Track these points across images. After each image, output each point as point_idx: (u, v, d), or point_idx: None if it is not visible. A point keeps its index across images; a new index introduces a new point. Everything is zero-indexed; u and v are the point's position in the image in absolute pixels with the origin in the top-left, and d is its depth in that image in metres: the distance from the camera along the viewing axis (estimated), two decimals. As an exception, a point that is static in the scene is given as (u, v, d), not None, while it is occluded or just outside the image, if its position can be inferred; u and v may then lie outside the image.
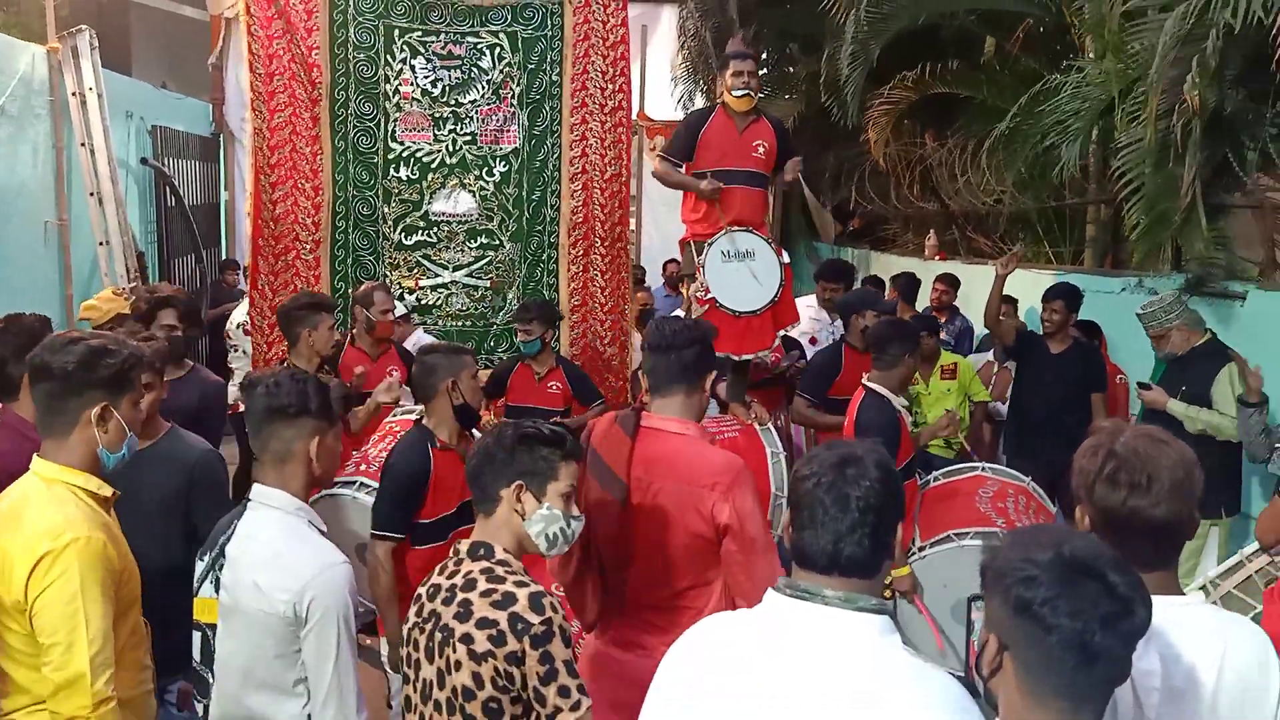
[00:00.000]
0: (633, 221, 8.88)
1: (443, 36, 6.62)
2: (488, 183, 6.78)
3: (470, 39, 6.67)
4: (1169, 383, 4.98)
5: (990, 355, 6.97)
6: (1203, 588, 3.59)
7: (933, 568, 4.37)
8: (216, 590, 2.55)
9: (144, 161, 9.28)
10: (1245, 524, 4.94)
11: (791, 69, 12.06)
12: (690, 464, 2.73)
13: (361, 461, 4.64)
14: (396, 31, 6.54)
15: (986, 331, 6.90)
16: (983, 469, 4.98)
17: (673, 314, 6.98)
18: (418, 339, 6.16)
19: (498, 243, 6.84)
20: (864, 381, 4.60)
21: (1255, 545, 3.68)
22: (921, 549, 4.47)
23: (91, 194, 7.63)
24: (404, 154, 6.63)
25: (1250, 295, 5.89)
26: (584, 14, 6.93)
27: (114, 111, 8.15)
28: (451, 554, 2.36)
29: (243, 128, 10.91)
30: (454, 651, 2.16)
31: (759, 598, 1.90)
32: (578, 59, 6.92)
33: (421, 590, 2.35)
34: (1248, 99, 6.15)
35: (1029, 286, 7.78)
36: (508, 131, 6.81)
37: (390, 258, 6.68)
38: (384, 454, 3.97)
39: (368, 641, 3.97)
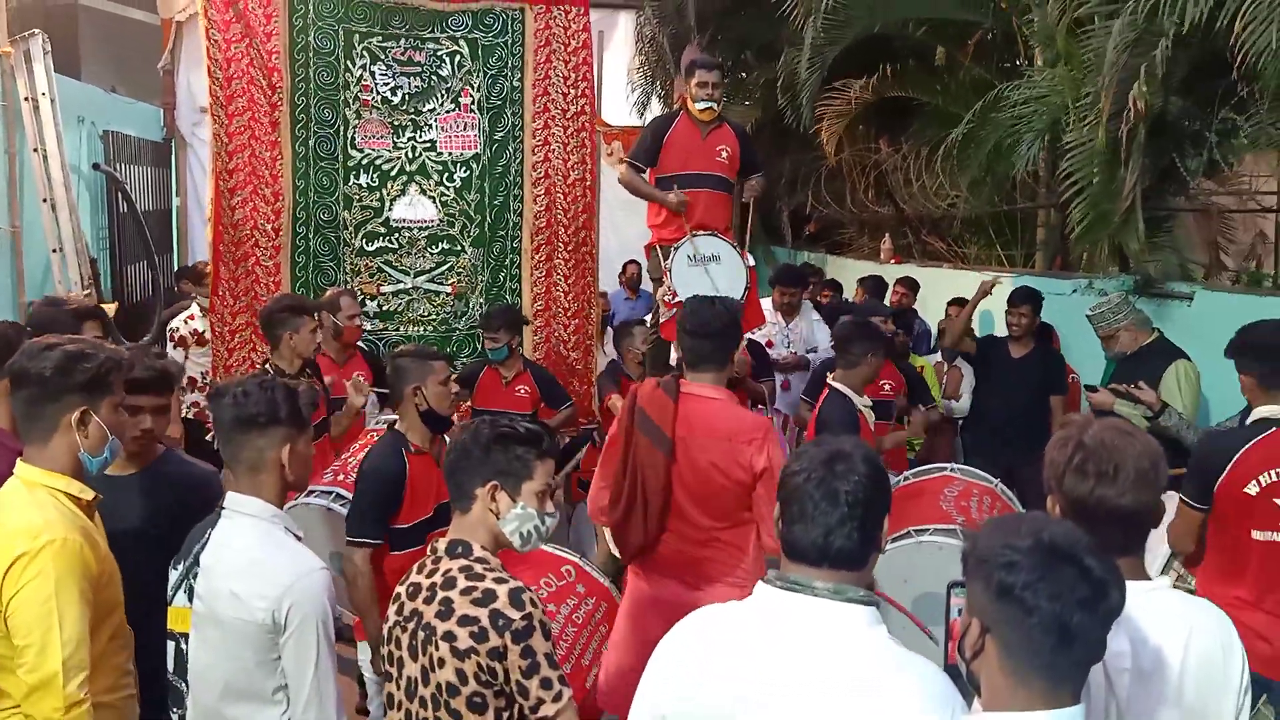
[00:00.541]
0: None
1: (403, 42, 6.61)
2: (448, 189, 6.78)
3: (430, 45, 6.67)
4: (1119, 381, 5.07)
5: (939, 355, 7.10)
6: (1166, 571, 3.69)
7: (892, 563, 4.44)
8: (190, 599, 2.52)
9: (96, 167, 9.13)
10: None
11: (746, 75, 12.15)
12: (729, 423, 3.28)
13: (340, 471, 4.62)
14: (356, 36, 6.52)
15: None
16: (950, 469, 5.09)
17: (633, 318, 7.06)
18: None
19: (460, 248, 6.85)
20: (828, 380, 4.76)
21: None
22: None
23: (45, 200, 7.51)
24: (364, 160, 6.62)
25: (1196, 295, 6.07)
26: (545, 20, 6.96)
27: (65, 116, 8.02)
28: (429, 552, 2.38)
29: (194, 133, 10.81)
30: (437, 649, 2.19)
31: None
32: (539, 65, 6.95)
33: (401, 589, 2.37)
34: (1193, 104, 6.33)
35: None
36: (468, 137, 6.82)
37: (351, 264, 6.66)
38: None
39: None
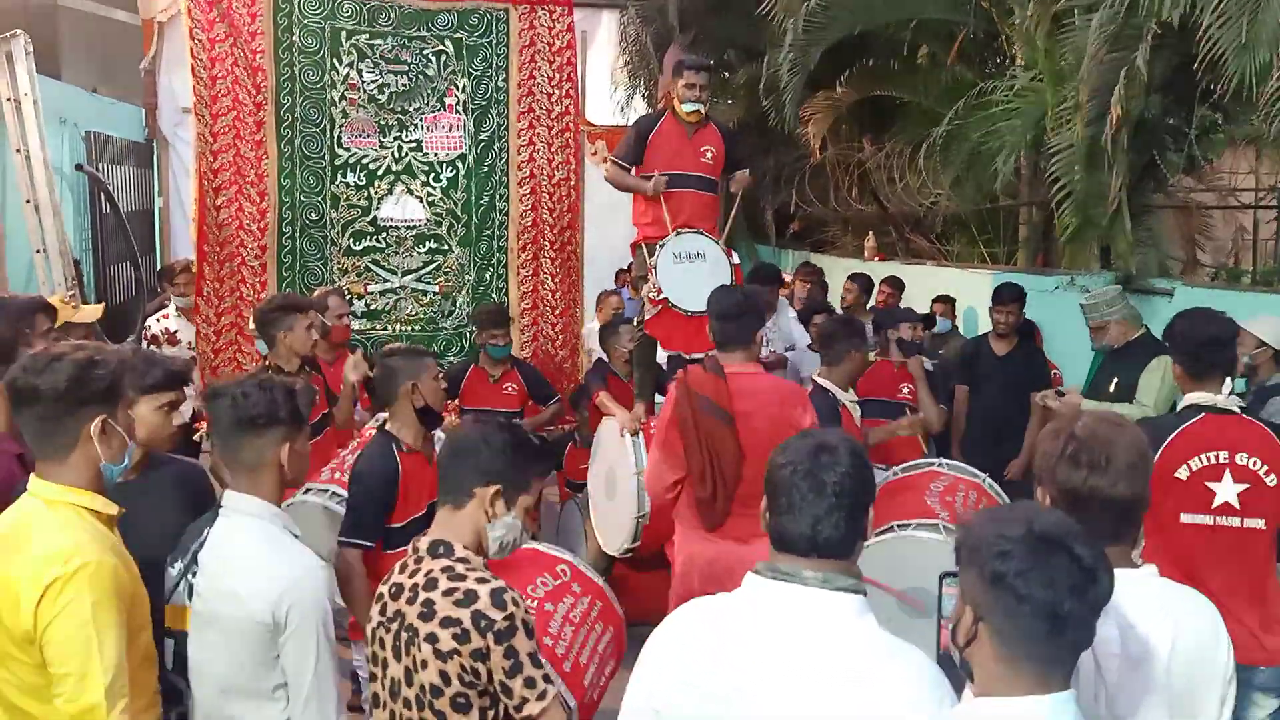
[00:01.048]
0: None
1: (390, 40, 6.61)
2: (435, 188, 6.79)
3: (418, 43, 6.66)
4: (1104, 375, 5.16)
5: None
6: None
7: (874, 557, 4.44)
8: (189, 598, 2.52)
9: (79, 168, 9.07)
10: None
11: (729, 75, 12.19)
12: (778, 392, 3.90)
13: (338, 469, 4.61)
14: (343, 34, 6.50)
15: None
16: (938, 465, 5.13)
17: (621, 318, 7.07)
18: None
19: (446, 248, 6.85)
20: (813, 377, 4.82)
21: None
22: (866, 537, 4.60)
23: (28, 201, 7.45)
24: (350, 160, 6.61)
25: (1177, 291, 6.14)
26: (529, 20, 6.97)
27: (48, 117, 7.96)
28: (411, 551, 2.36)
29: (176, 133, 10.76)
30: (419, 651, 2.19)
31: None
32: (523, 65, 6.96)
33: (384, 589, 2.36)
34: (1173, 102, 6.40)
35: (966, 286, 8.00)
36: (453, 137, 6.82)
37: (339, 263, 6.64)
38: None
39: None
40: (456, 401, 5.72)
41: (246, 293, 6.41)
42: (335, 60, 6.51)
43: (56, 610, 2.14)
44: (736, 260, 5.53)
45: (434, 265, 6.84)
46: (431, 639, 2.17)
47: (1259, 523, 3.23)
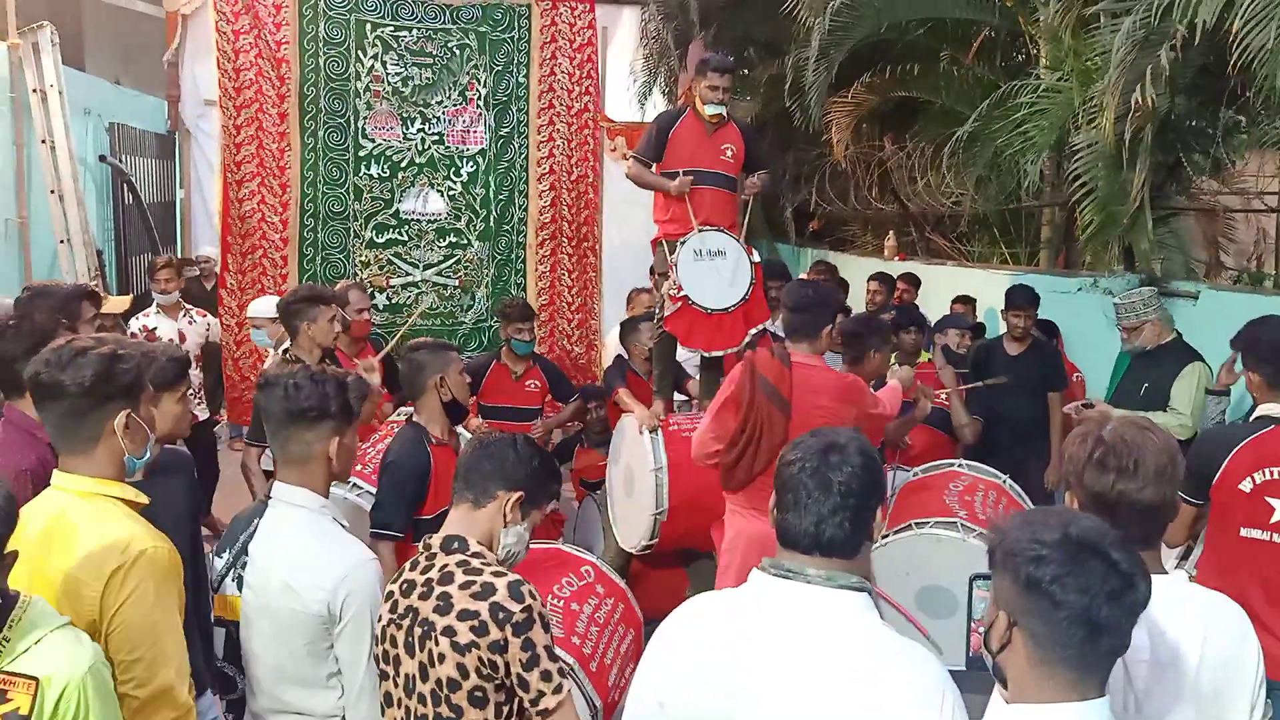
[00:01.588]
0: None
1: (414, 32, 6.63)
2: (455, 183, 6.81)
3: (442, 35, 6.68)
4: (1133, 378, 5.10)
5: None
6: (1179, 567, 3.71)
7: (893, 556, 4.47)
8: (239, 588, 2.54)
9: (102, 159, 9.16)
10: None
11: (749, 71, 12.16)
12: (838, 385, 4.01)
13: (359, 461, 4.63)
14: (368, 26, 6.53)
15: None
16: (958, 465, 5.10)
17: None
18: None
19: (466, 242, 6.87)
20: None
21: None
22: (885, 536, 4.58)
23: (52, 191, 7.53)
24: (375, 151, 6.63)
25: (1202, 294, 6.09)
26: (551, 17, 6.99)
27: (72, 108, 8.03)
28: (422, 548, 2.36)
29: (199, 125, 10.81)
30: (436, 645, 2.18)
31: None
32: (544, 61, 6.98)
33: (393, 586, 2.35)
34: (1199, 104, 6.35)
35: (986, 286, 7.96)
36: (474, 132, 6.84)
37: (361, 256, 6.66)
38: (381, 454, 3.96)
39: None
40: (476, 398, 5.73)
41: (268, 284, 6.44)
42: (360, 52, 6.53)
43: (123, 598, 2.17)
44: (758, 258, 5.51)
45: (454, 259, 6.85)
46: (449, 632, 2.16)
47: None
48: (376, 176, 6.64)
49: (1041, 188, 8.90)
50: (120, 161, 9.44)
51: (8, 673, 1.89)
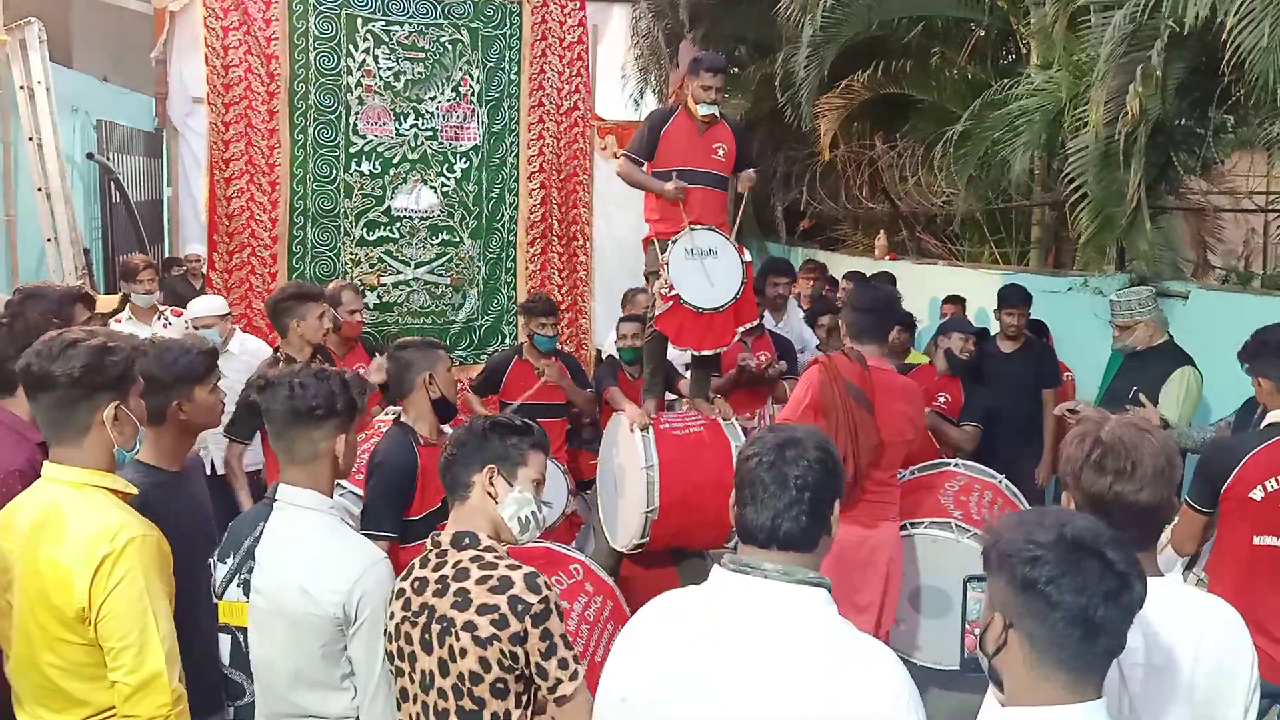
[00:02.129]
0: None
1: (406, 26, 6.59)
2: (449, 179, 6.77)
3: (434, 30, 6.65)
4: (1123, 379, 5.10)
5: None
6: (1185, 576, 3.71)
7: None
8: (246, 593, 2.53)
9: (90, 157, 9.11)
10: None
11: (740, 70, 12.15)
12: (903, 386, 4.20)
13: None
14: (359, 20, 6.48)
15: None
16: (954, 465, 5.11)
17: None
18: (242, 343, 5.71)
19: (458, 240, 6.84)
20: None
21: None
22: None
23: (39, 189, 7.48)
24: (366, 148, 6.58)
25: (1192, 294, 6.10)
26: (542, 14, 6.97)
27: (59, 106, 7.98)
28: (431, 545, 2.38)
29: (187, 123, 10.74)
30: (456, 640, 2.20)
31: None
32: (535, 59, 6.96)
33: (404, 584, 2.36)
34: (1190, 105, 6.36)
35: (977, 285, 7.96)
36: (468, 128, 6.81)
37: (351, 254, 6.62)
38: (366, 455, 3.94)
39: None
40: (498, 396, 5.67)
41: (256, 283, 6.40)
42: (351, 46, 6.48)
43: (111, 585, 2.20)
44: (749, 258, 5.50)
45: (446, 258, 6.82)
46: (469, 627, 2.19)
47: None
48: (368, 173, 6.58)
49: (1032, 187, 8.91)
50: (108, 159, 9.39)
51: None
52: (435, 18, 6.64)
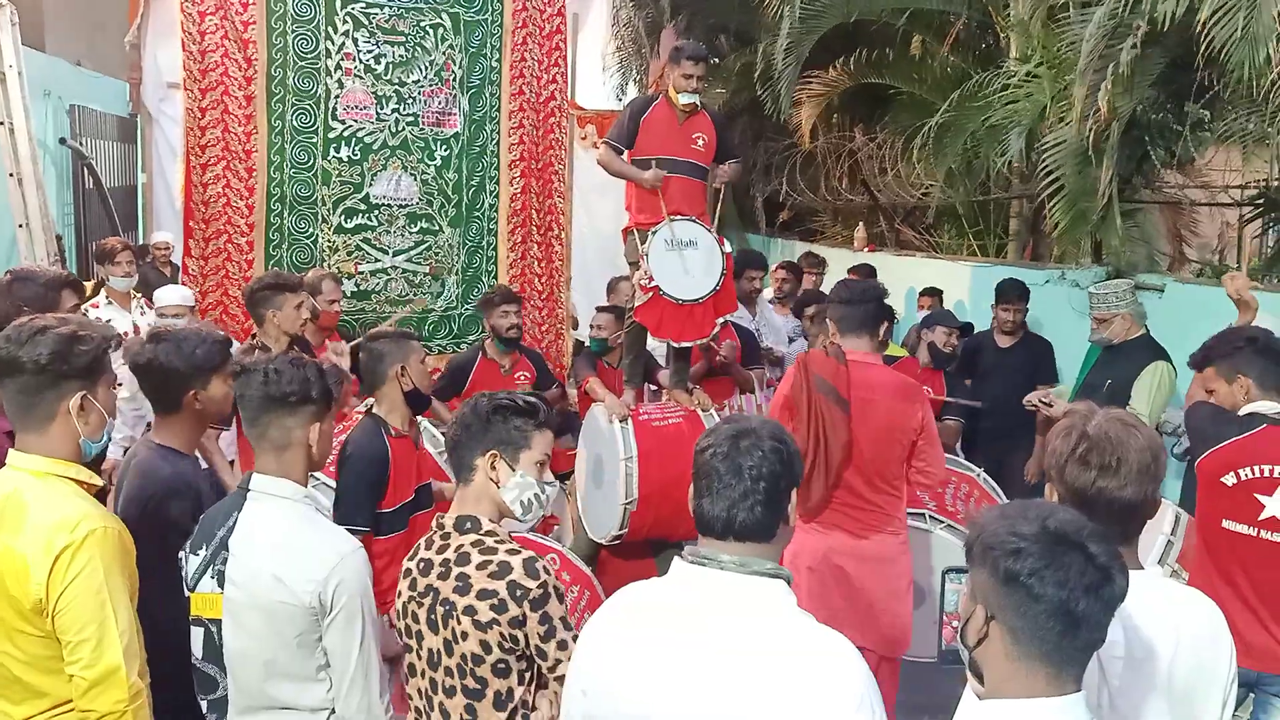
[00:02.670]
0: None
1: (386, 10, 6.52)
2: (429, 166, 6.72)
3: (414, 14, 6.58)
4: (1098, 372, 5.13)
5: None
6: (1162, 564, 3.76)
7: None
8: (220, 585, 2.50)
9: (63, 142, 8.98)
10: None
11: (720, 60, 12.13)
12: (895, 385, 3.80)
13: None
14: (338, 2, 6.40)
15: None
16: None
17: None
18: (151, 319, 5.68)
19: (437, 228, 6.79)
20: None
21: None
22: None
23: (11, 175, 7.34)
24: (345, 133, 6.52)
25: (1168, 287, 6.15)
26: (523, 1, 6.92)
27: (32, 90, 7.85)
28: (435, 527, 2.42)
29: (161, 108, 10.61)
30: (458, 624, 2.27)
31: (937, 481, 3.77)
32: (516, 46, 6.92)
33: (410, 564, 2.42)
34: (1167, 99, 6.39)
35: (954, 277, 8.00)
36: (449, 115, 6.76)
37: (329, 241, 6.56)
38: (338, 446, 3.90)
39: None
40: (462, 397, 5.62)
41: (232, 270, 6.35)
42: (330, 29, 6.41)
43: (70, 577, 2.17)
44: (729, 249, 5.49)
45: (425, 245, 6.77)
46: (470, 611, 2.25)
47: None
48: (346, 159, 6.52)
49: (1010, 180, 8.96)
50: (81, 145, 9.27)
51: None
52: (416, 1, 6.57)
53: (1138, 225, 7.02)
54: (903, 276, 8.41)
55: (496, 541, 2.35)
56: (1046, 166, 6.53)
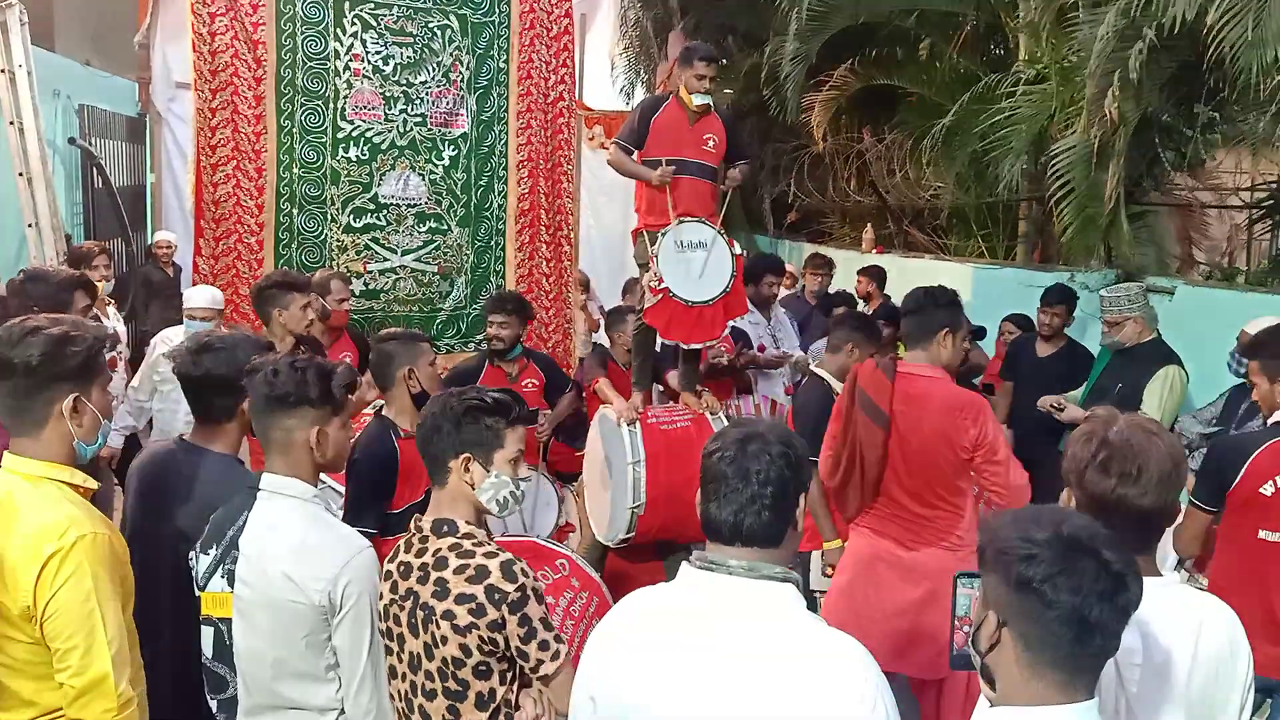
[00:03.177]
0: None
1: (395, 11, 6.53)
2: (437, 166, 6.73)
3: (422, 16, 6.59)
4: (1109, 376, 5.10)
5: None
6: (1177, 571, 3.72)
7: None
8: (230, 584, 2.51)
9: (72, 141, 8.99)
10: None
11: (729, 61, 12.14)
12: (944, 400, 3.60)
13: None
14: (347, 4, 6.41)
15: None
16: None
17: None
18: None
19: (446, 228, 6.80)
20: (812, 368, 4.86)
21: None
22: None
23: (20, 174, 7.35)
24: (354, 134, 6.52)
25: (1178, 290, 6.13)
26: (530, 3, 6.93)
27: (41, 90, 7.85)
28: (414, 529, 2.40)
29: (170, 108, 10.64)
30: (438, 628, 2.25)
31: (1015, 499, 3.42)
32: (523, 47, 6.92)
33: (391, 567, 2.40)
34: (1177, 102, 6.37)
35: (963, 280, 7.98)
36: (457, 115, 6.77)
37: (338, 240, 6.56)
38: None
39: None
40: None
41: (243, 270, 6.35)
42: (339, 30, 6.42)
43: (58, 584, 2.14)
44: (739, 251, 5.48)
45: (433, 245, 6.78)
46: (449, 616, 2.24)
47: None
48: (355, 159, 6.52)
49: (1019, 182, 8.94)
50: (90, 144, 9.29)
51: None
52: (424, 3, 6.58)
53: (1147, 227, 7.00)
54: (911, 278, 8.38)
55: (474, 544, 2.33)
56: (1056, 169, 6.51)
